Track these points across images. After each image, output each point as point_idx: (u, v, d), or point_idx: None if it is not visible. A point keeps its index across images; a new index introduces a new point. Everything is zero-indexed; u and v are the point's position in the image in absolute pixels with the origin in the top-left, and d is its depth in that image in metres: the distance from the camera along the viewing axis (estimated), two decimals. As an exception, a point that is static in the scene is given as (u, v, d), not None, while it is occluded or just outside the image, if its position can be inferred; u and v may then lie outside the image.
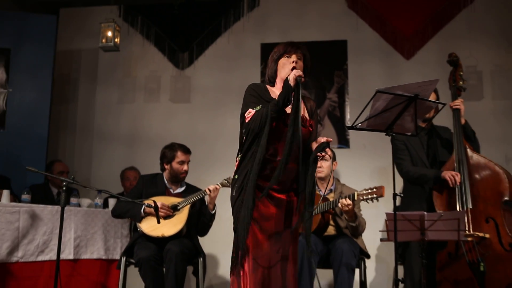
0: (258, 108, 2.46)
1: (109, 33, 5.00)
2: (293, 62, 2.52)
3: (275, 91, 2.58)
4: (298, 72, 2.41)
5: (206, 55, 5.54)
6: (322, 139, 2.42)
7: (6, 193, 3.56)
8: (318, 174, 3.58)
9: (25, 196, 3.64)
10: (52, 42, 5.27)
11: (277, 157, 2.47)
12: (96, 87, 5.68)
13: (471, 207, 3.33)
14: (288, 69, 2.52)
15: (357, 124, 2.54)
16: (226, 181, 3.62)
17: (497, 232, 3.24)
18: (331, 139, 2.48)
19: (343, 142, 5.18)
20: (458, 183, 3.34)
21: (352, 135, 5.17)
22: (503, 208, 3.28)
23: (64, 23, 5.64)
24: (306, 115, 2.62)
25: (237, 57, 5.41)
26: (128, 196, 3.73)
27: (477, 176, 3.42)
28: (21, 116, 5.08)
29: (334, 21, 5.39)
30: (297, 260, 2.62)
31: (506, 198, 3.29)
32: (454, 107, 3.61)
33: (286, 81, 2.42)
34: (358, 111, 2.51)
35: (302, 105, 2.50)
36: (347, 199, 3.30)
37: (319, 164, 3.42)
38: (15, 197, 3.86)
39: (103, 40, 5.02)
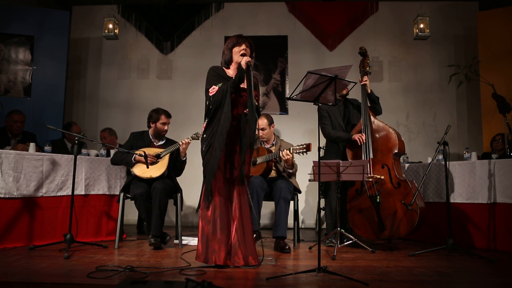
0: (220, 85, 2.74)
1: (110, 26, 5.72)
2: (242, 49, 2.83)
3: (230, 71, 2.91)
4: (247, 59, 2.76)
5: (184, 44, 6.33)
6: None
7: (32, 145, 3.86)
8: (262, 137, 3.98)
9: (47, 148, 3.93)
10: (66, 31, 5.89)
11: (233, 118, 2.75)
12: (101, 67, 6.37)
13: (372, 157, 3.78)
14: (239, 55, 2.82)
15: (293, 96, 2.76)
16: (195, 135, 3.91)
17: (389, 174, 3.72)
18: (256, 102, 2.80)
19: (284, 110, 6.11)
20: (364, 141, 3.78)
21: (290, 104, 6.06)
22: (393, 158, 3.76)
23: (76, 17, 6.34)
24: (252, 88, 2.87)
25: (207, 46, 6.21)
26: (123, 148, 3.93)
27: (377, 135, 3.87)
28: (43, 88, 5.63)
29: (278, 21, 6.28)
30: (245, 196, 2.86)
31: (396, 151, 3.78)
32: (362, 83, 3.97)
33: (239, 66, 2.74)
34: (295, 87, 2.75)
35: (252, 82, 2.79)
36: (287, 151, 3.62)
37: (261, 133, 3.93)
38: (39, 148, 4.15)
39: (106, 31, 5.74)
